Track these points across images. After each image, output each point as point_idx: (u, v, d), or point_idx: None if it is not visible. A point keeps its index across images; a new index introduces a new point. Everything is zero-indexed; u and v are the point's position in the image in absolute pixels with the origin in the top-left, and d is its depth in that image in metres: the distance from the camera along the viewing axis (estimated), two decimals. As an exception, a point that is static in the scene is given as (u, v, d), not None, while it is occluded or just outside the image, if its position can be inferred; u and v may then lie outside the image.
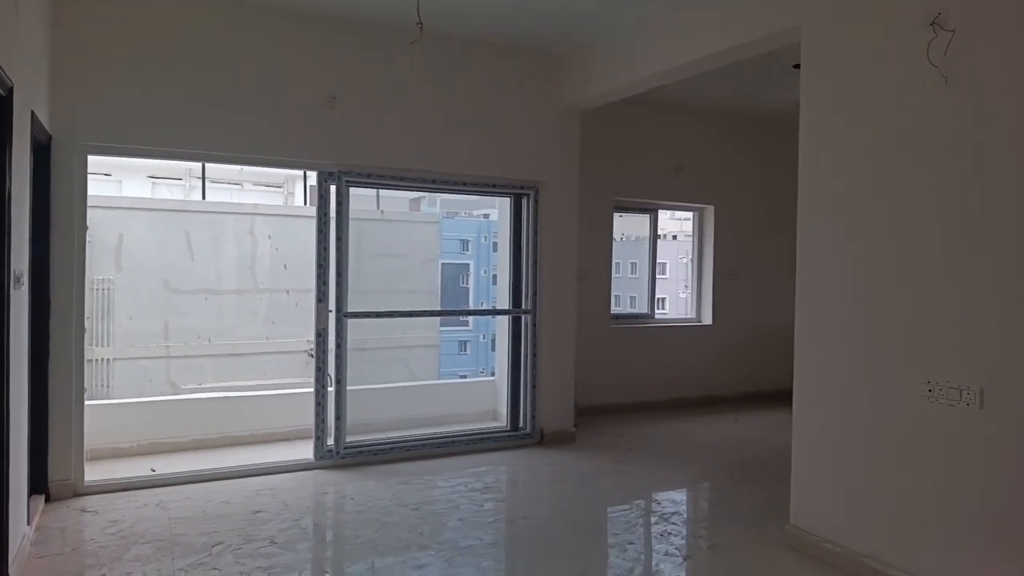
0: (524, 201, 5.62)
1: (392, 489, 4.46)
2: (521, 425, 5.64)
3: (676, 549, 3.62)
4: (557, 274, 5.60)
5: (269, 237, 10.62)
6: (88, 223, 4.35)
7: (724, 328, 7.51)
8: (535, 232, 5.56)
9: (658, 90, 5.84)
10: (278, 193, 17.33)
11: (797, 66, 5.81)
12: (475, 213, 30.59)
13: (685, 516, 4.22)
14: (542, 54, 5.48)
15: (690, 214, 7.85)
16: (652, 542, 3.74)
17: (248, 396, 6.04)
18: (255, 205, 11.30)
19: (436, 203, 24.66)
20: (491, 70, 5.31)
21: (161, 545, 3.51)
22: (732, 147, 7.52)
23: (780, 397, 7.55)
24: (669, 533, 3.84)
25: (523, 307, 5.62)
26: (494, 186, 5.49)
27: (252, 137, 4.59)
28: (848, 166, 3.37)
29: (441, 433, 5.44)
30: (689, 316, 7.73)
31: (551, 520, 3.98)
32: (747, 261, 7.64)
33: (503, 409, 5.88)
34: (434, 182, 5.27)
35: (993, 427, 2.75)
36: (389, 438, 5.23)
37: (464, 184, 5.37)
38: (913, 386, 3.04)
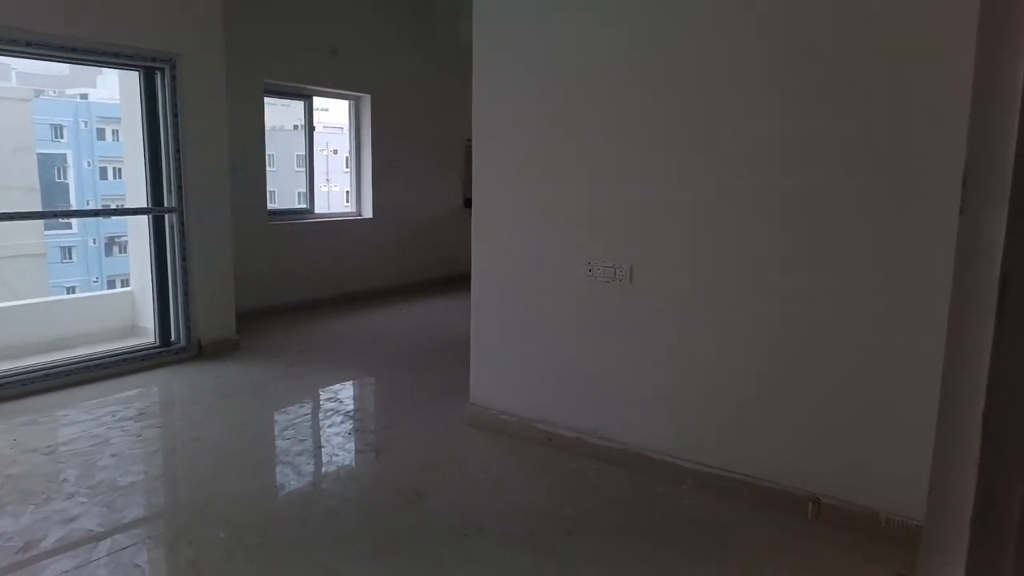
0: (158, 77, 4.71)
1: (11, 433, 3.60)
2: (174, 339, 4.98)
3: (367, 445, 3.61)
4: (205, 166, 4.90)
5: None
6: None
7: (385, 221, 7.52)
8: (176, 115, 4.73)
9: (312, -40, 5.30)
10: None
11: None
12: (68, 92, 25.24)
13: (369, 412, 4.23)
14: None
15: (328, 103, 7.53)
16: (341, 443, 3.67)
17: None
18: None
19: (11, 76, 19.69)
20: (100, -97, 4.20)
21: None
22: (391, 32, 7.29)
23: (442, 284, 7.99)
24: (357, 430, 3.81)
25: (166, 205, 4.83)
26: (117, 55, 4.48)
27: None
28: (520, 62, 3.45)
29: (70, 358, 4.53)
30: (349, 210, 7.55)
31: (225, 438, 3.63)
32: (405, 153, 7.66)
33: (148, 324, 5.12)
34: (29, 44, 4.08)
35: (640, 298, 3.20)
36: (-5, 372, 4.18)
37: (73, 50, 4.27)
38: (575, 267, 3.37)
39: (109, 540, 2.62)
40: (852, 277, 2.68)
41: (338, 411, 4.11)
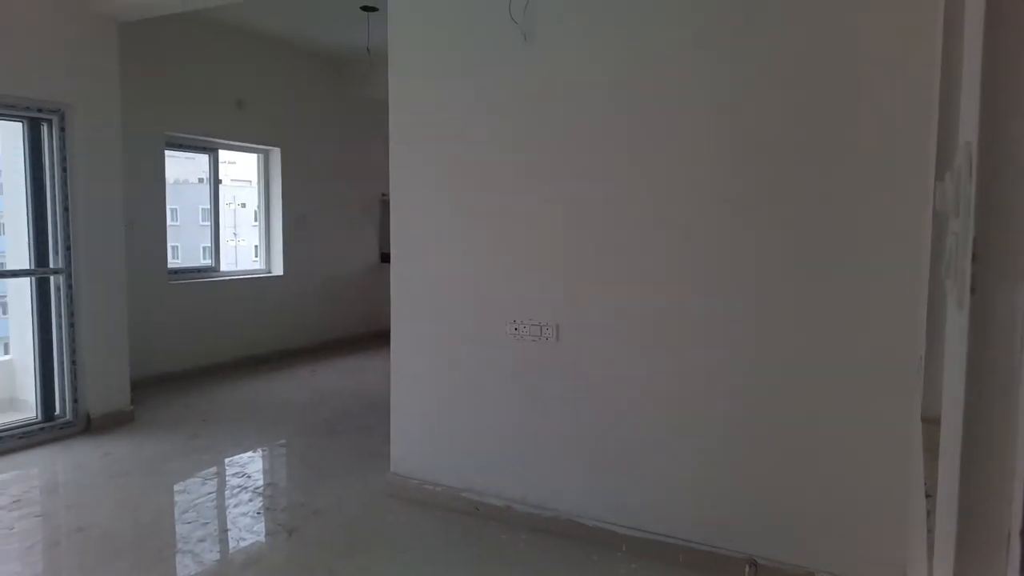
0: (45, 128, 4.36)
1: None
2: (58, 412, 4.51)
3: (278, 525, 3.31)
4: (97, 223, 4.54)
5: None
6: None
7: (297, 277, 7.22)
8: (64, 169, 4.38)
9: (218, 12, 5.14)
10: None
11: (365, 8, 5.80)
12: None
13: (281, 486, 3.91)
14: (60, -62, 4.26)
15: (236, 156, 7.28)
16: (249, 523, 3.35)
17: None
18: None
19: None
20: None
21: None
22: (301, 86, 7.14)
23: (358, 341, 7.70)
24: (267, 508, 3.50)
25: (51, 265, 4.43)
26: (-4, 105, 4.13)
27: None
28: (437, 117, 3.37)
29: (-68, 440, 4.00)
30: (258, 267, 7.21)
31: (116, 526, 3.25)
32: (317, 206, 7.42)
33: (28, 396, 4.62)
34: None
35: (568, 357, 3.11)
36: None
37: (-55, 99, 3.89)
38: (501, 325, 3.26)
39: (-33, 662, 2.24)
40: (785, 332, 2.68)
41: (246, 487, 3.78)
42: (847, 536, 2.59)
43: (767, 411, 2.71)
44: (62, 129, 4.37)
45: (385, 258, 7.60)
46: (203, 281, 6.48)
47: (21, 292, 4.65)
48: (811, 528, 2.65)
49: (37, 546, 3.11)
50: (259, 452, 4.39)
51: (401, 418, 3.59)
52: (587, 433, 3.08)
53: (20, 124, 4.33)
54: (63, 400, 4.52)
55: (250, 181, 7.44)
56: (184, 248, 16.21)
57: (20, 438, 4.28)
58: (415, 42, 3.42)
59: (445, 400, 3.44)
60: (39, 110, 4.28)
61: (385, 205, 3.64)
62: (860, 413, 2.54)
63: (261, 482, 3.90)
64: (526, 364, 3.20)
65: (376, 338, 7.42)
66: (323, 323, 7.48)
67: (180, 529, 3.28)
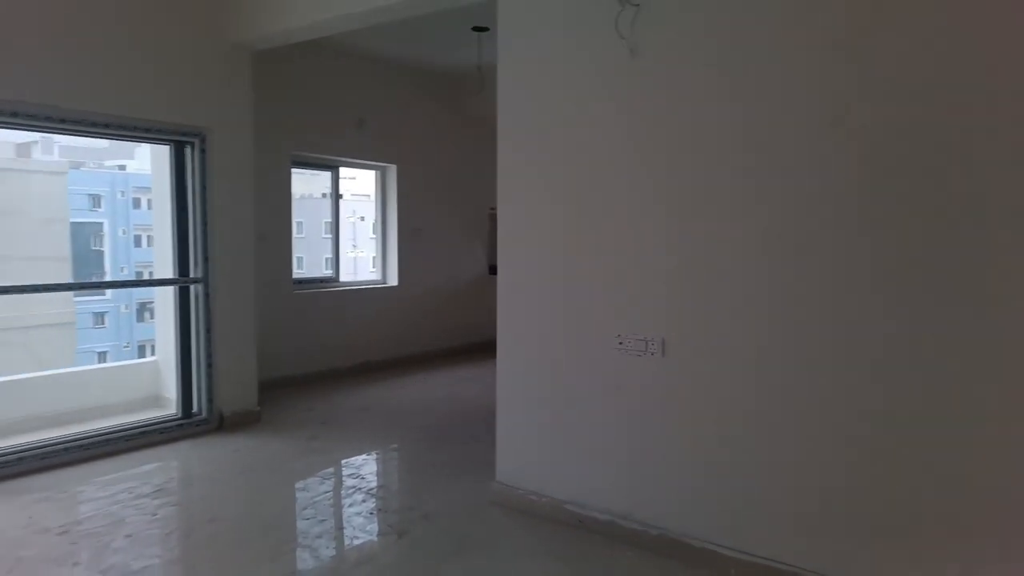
0: (188, 151, 4.78)
1: (26, 511, 3.51)
2: (195, 410, 4.91)
3: (389, 526, 3.44)
4: (232, 236, 4.92)
5: None
6: None
7: (409, 289, 7.49)
8: (203, 187, 4.78)
9: (342, 36, 5.45)
10: None
11: (477, 28, 5.97)
12: (107, 164, 26.17)
13: (392, 489, 4.07)
14: (205, -23, 4.67)
15: (355, 172, 7.63)
16: (362, 523, 3.51)
17: None
18: None
19: (53, 150, 20.46)
20: (139, -13, 4.36)
21: None
22: (416, 105, 7.43)
23: (466, 351, 7.89)
24: (379, 509, 3.65)
25: (192, 275, 4.83)
26: (147, 130, 4.56)
27: None
28: (544, 132, 3.43)
29: (90, 432, 4.45)
30: (374, 278, 7.54)
31: (243, 518, 3.50)
32: (430, 220, 7.69)
33: (171, 394, 5.06)
34: (63, 121, 4.16)
35: (674, 373, 3.06)
36: (15, 446, 4.11)
37: (107, 126, 4.35)
38: (605, 339, 3.25)
39: (116, 634, 2.48)
40: (925, 356, 2.52)
41: (360, 488, 3.96)
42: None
43: (904, 438, 2.55)
44: (203, 151, 4.77)
45: (493, 270, 7.72)
46: (324, 291, 6.86)
47: (166, 299, 5.11)
48: (936, 565, 2.47)
49: (175, 533, 3.40)
50: (372, 455, 4.58)
51: (507, 428, 3.65)
52: (695, 452, 3.02)
53: (168, 147, 4.77)
54: (199, 399, 4.90)
55: (368, 195, 7.80)
56: (308, 259, 17.18)
57: (162, 432, 4.68)
58: (521, 59, 3.49)
59: (549, 412, 3.46)
60: (183, 134, 4.70)
61: (493, 218, 3.73)
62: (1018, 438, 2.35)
63: (374, 484, 4.07)
64: (630, 379, 3.18)
65: (484, 348, 7.55)
66: (434, 333, 7.71)
67: (300, 525, 3.48)
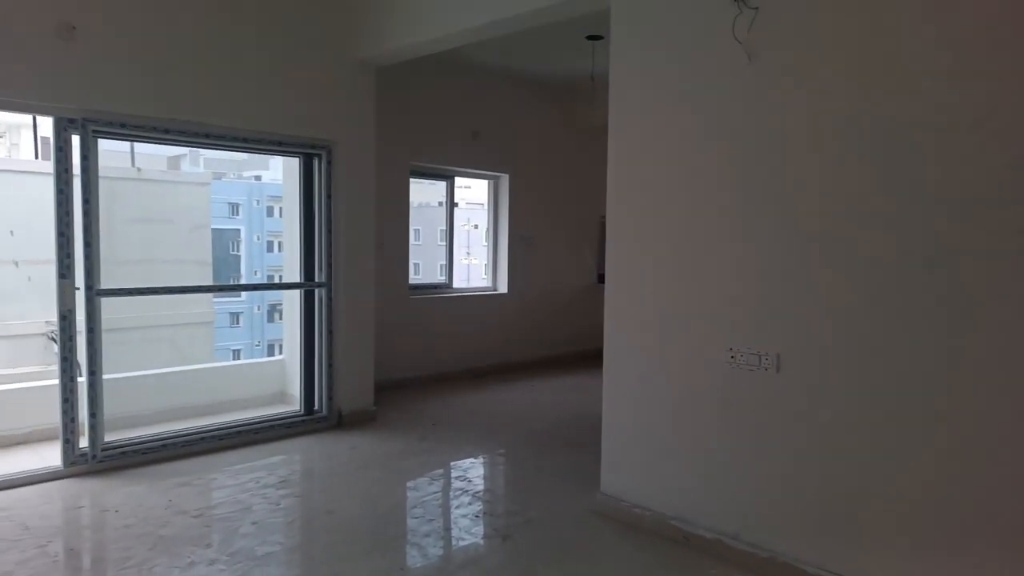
0: (316, 162, 5.09)
1: (167, 494, 3.84)
2: (316, 408, 5.20)
3: (493, 530, 3.51)
4: (354, 244, 5.19)
5: (-12, 196, 8.75)
6: None
7: (519, 296, 7.59)
8: (329, 197, 5.07)
9: (457, 51, 5.61)
10: (-3, 144, 14.51)
11: (591, 37, 5.98)
12: (245, 175, 28.30)
13: (497, 493, 4.14)
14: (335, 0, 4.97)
15: (470, 181, 7.81)
16: (468, 524, 3.59)
17: (-34, 394, 4.89)
18: (-36, 157, 9.22)
19: (199, 162, 22.31)
20: (275, 10, 4.69)
21: None
22: (529, 115, 7.55)
23: (574, 360, 7.89)
24: (485, 512, 3.72)
25: (317, 280, 5.13)
26: (280, 144, 4.90)
27: (-43, 69, 3.58)
28: (656, 140, 3.39)
29: (224, 423, 4.82)
30: (485, 285, 7.70)
31: (357, 512, 3.67)
32: (540, 228, 7.77)
33: (295, 391, 5.38)
34: (207, 136, 4.55)
35: (788, 389, 2.94)
36: (159, 434, 4.52)
37: (245, 140, 4.71)
38: (717, 353, 3.17)
39: (242, 613, 2.67)
40: (1049, 376, 2.30)
41: (466, 491, 4.05)
42: None
43: (1033, 467, 2.33)
44: (329, 163, 5.06)
45: (602, 279, 7.69)
46: (437, 296, 7.08)
47: (292, 302, 5.45)
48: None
49: (296, 522, 3.61)
50: (480, 459, 4.68)
51: (612, 439, 3.63)
52: (810, 475, 2.88)
53: (297, 159, 5.10)
54: (320, 397, 5.19)
55: (482, 204, 7.99)
56: (424, 265, 17.80)
57: (287, 427, 4.99)
58: (635, 67, 3.48)
59: (656, 424, 3.41)
60: (312, 147, 5.01)
61: (603, 227, 3.72)
62: None
63: (480, 487, 4.16)
64: (742, 394, 3.08)
65: (591, 357, 7.52)
66: (542, 340, 7.78)
67: (409, 522, 3.61)
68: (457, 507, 3.81)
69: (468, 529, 3.54)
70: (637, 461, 3.50)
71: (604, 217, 3.66)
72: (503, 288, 7.55)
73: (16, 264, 8.75)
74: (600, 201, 3.69)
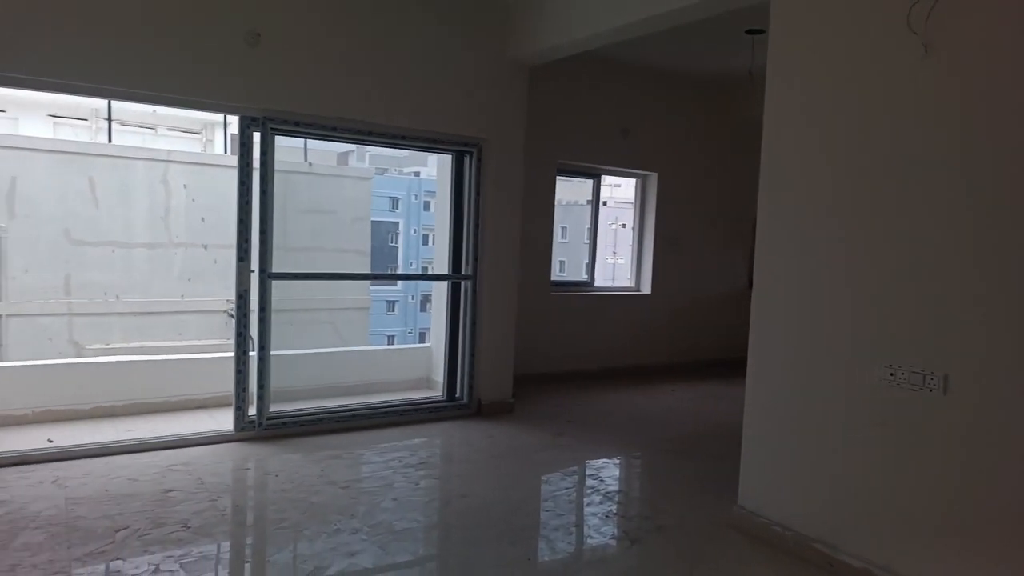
0: (466, 159, 5.28)
1: (320, 464, 4.15)
2: (458, 395, 5.40)
3: (623, 532, 3.48)
4: (500, 239, 5.32)
5: (185, 187, 9.88)
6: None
7: (662, 297, 7.44)
8: (478, 193, 5.24)
9: (608, 48, 5.59)
10: (195, 140, 16.29)
11: (750, 31, 5.72)
12: (405, 170, 29.90)
13: (630, 495, 4.09)
14: (490, 1, 5.11)
15: (619, 180, 7.70)
16: (598, 524, 3.58)
17: (160, 360, 5.55)
18: (169, 151, 10.46)
19: (365, 158, 23.83)
20: (433, 13, 4.90)
21: (56, 531, 3.11)
22: (679, 113, 7.37)
23: (711, 367, 7.62)
24: (615, 514, 3.69)
25: (463, 272, 5.32)
26: (435, 141, 5.12)
27: (162, 73, 4.06)
28: (815, 138, 3.20)
29: (373, 403, 5.14)
30: (628, 285, 7.61)
31: (490, 499, 3.77)
32: (688, 229, 7.56)
33: (439, 378, 5.62)
34: (370, 134, 4.86)
35: (956, 414, 2.67)
36: (316, 408, 4.90)
37: (403, 138, 4.98)
38: (875, 369, 2.94)
39: (379, 582, 2.83)
40: None
41: (599, 490, 4.04)
42: None
43: None
44: (479, 160, 5.23)
45: (752, 283, 7.35)
46: (578, 294, 7.10)
47: (440, 293, 5.69)
48: None
49: (434, 503, 3.78)
50: (614, 459, 4.65)
51: (753, 452, 3.47)
52: (977, 508, 2.60)
53: (450, 156, 5.31)
54: (462, 385, 5.38)
55: (631, 203, 7.90)
56: (569, 263, 17.92)
57: (430, 412, 5.23)
58: (795, 61, 3.29)
59: (803, 440, 3.22)
60: (464, 144, 5.19)
61: (754, 229, 3.52)
62: None
63: (613, 488, 4.13)
64: (900, 415, 2.84)
65: (735, 365, 7.22)
66: (684, 344, 7.56)
67: (541, 515, 3.66)
68: (588, 505, 3.81)
69: (598, 528, 3.54)
70: (779, 477, 3.33)
71: (756, 219, 3.50)
72: (646, 289, 7.43)
73: (205, 248, 9.81)
74: (753, 202, 3.53)
